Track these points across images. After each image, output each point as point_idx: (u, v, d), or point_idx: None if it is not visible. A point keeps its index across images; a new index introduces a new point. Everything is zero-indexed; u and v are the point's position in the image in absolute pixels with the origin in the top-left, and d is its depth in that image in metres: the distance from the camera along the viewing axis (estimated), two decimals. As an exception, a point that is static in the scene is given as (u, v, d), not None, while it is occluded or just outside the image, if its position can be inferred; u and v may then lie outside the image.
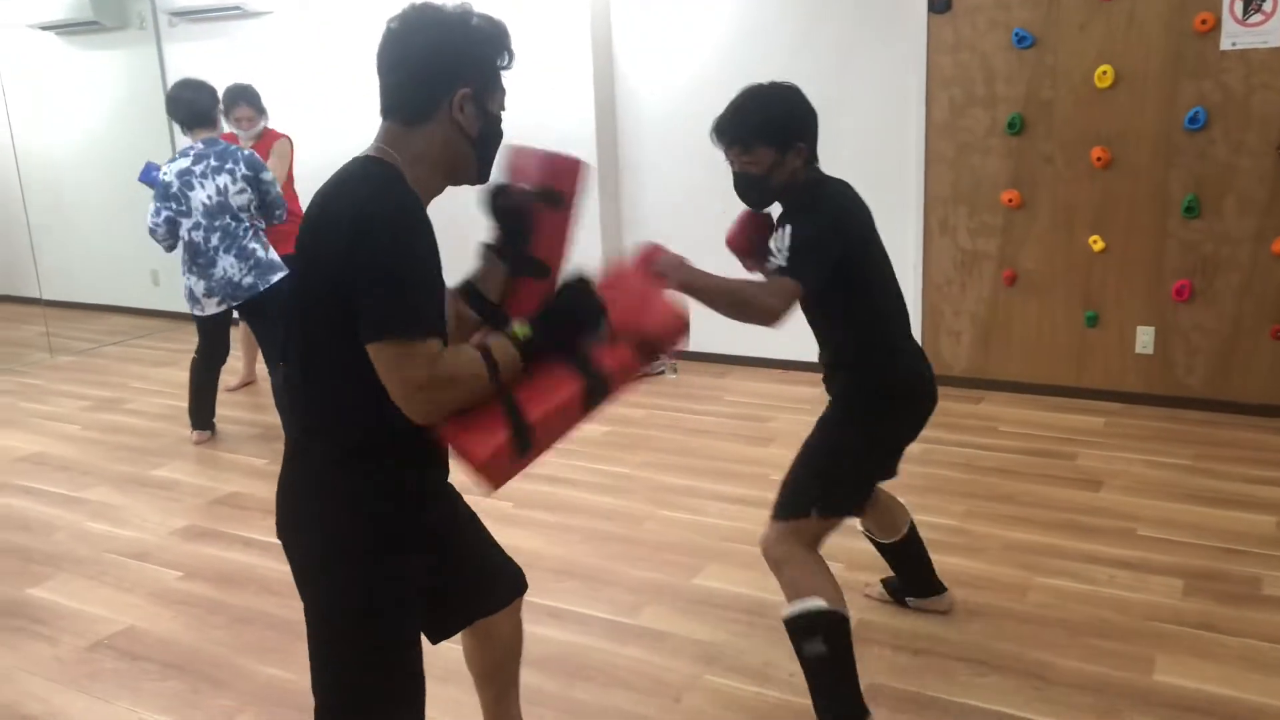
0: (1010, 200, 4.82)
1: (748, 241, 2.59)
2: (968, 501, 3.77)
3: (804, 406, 4.95)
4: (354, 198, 1.55)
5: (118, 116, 7.65)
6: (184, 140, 4.78)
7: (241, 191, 4.45)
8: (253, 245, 4.50)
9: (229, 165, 4.44)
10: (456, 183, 1.74)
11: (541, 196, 1.83)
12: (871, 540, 3.00)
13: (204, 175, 4.42)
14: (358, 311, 1.52)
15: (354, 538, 1.65)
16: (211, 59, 6.99)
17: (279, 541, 1.74)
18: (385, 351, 1.52)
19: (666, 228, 5.40)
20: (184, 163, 4.45)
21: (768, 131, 2.35)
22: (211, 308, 4.57)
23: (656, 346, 1.76)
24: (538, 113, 5.75)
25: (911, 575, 3.01)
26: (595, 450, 4.42)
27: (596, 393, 1.69)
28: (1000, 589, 3.11)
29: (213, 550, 3.62)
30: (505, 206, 1.84)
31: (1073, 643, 2.80)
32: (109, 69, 7.60)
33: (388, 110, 1.67)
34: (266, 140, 5.23)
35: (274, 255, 4.58)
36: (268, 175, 4.57)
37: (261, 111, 5.23)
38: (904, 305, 2.55)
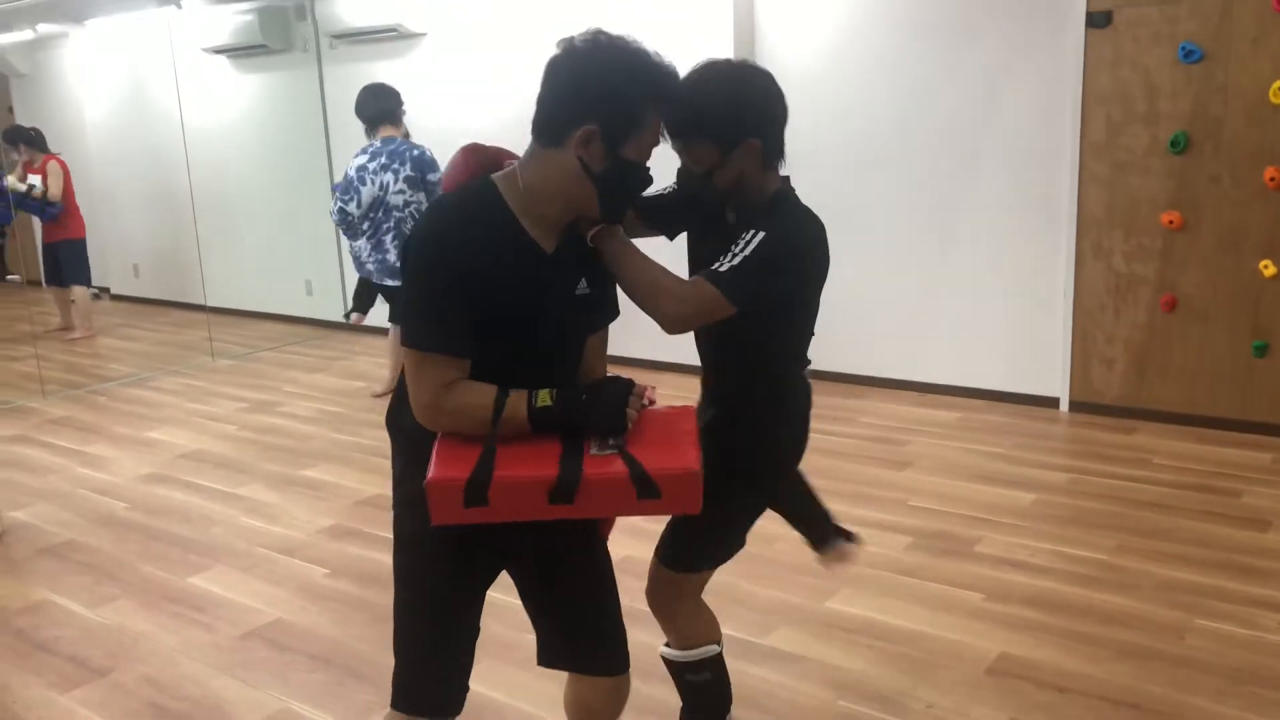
0: (1171, 222, 4.59)
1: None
2: (1118, 536, 3.59)
3: (943, 430, 4.82)
4: (425, 216, 1.70)
5: (280, 135, 8.07)
6: (352, 146, 5.15)
7: (400, 192, 4.80)
8: (390, 244, 4.87)
9: (395, 165, 4.83)
10: (582, 212, 1.73)
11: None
12: None
13: (374, 172, 4.82)
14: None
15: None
16: (368, 79, 7.30)
17: None
18: (407, 359, 1.66)
19: (805, 197, 5.31)
20: (363, 159, 4.84)
21: (704, 122, 1.89)
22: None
23: (655, 488, 1.62)
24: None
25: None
26: (728, 468, 4.39)
27: (560, 492, 1.60)
28: (1154, 630, 2.95)
29: (357, 549, 3.75)
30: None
31: (1235, 691, 2.63)
32: (273, 90, 8.03)
33: (532, 127, 1.70)
34: None
35: None
36: (434, 176, 4.88)
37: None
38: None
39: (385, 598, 3.34)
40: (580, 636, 1.96)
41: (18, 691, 2.86)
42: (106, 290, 10.00)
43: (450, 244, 1.61)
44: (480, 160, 1.83)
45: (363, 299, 5.60)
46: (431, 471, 1.60)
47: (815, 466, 4.42)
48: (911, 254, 5.36)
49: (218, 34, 7.93)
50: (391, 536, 1.86)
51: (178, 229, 8.68)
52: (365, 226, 4.89)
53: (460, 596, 1.84)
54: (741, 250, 1.88)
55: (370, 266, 5.16)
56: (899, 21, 5.19)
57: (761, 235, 1.89)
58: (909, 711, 2.61)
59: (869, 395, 5.45)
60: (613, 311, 1.91)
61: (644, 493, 1.61)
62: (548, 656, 1.99)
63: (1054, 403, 5.07)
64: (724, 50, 5.59)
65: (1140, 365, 4.82)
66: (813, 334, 2.19)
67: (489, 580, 1.88)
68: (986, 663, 2.81)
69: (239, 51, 7.98)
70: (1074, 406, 5.01)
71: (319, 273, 7.99)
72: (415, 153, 4.84)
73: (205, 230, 8.15)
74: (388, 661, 2.90)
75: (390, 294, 5.24)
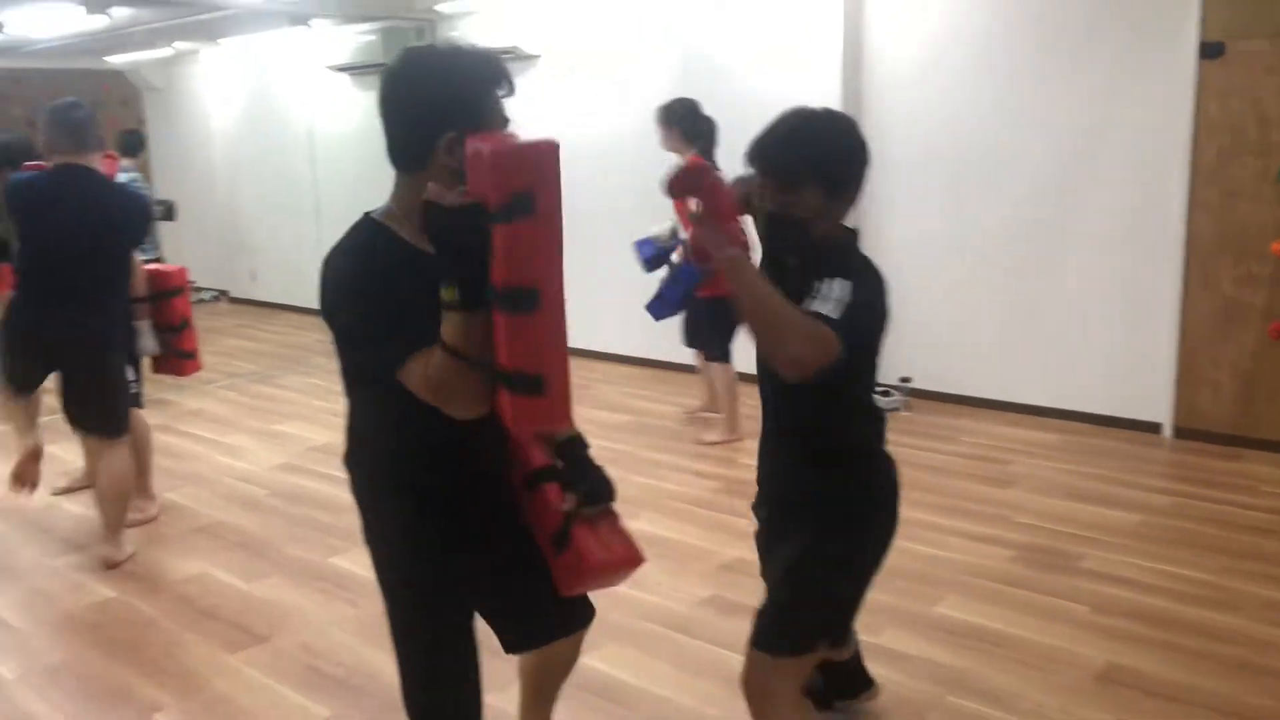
0: (1282, 251, 4.62)
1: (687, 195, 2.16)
2: (1224, 558, 3.65)
3: (1045, 451, 4.90)
4: (327, 265, 1.82)
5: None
6: None
7: None
8: None
9: None
10: None
11: (502, 209, 1.52)
12: None
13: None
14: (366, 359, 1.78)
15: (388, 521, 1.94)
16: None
17: None
18: (401, 381, 1.70)
19: (906, 208, 5.43)
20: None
21: (820, 167, 1.95)
22: None
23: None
24: (777, 75, 5.84)
25: (847, 673, 2.69)
26: (831, 478, 4.54)
27: None
28: (1259, 646, 3.02)
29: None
30: (445, 227, 1.58)
31: (1344, 707, 2.70)
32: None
33: (391, 160, 1.78)
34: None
35: None
36: None
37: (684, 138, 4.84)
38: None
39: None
40: (564, 606, 2.07)
41: (190, 649, 3.16)
42: (225, 293, 10.53)
43: (370, 269, 1.79)
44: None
45: None
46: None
47: (918, 481, 4.57)
48: (1014, 273, 5.45)
49: (340, 52, 8.36)
50: None
51: (296, 236, 9.13)
52: None
53: (465, 608, 1.97)
54: (834, 295, 1.85)
55: None
56: (1009, 38, 5.28)
57: (850, 282, 1.88)
58: (1017, 710, 2.73)
59: (970, 415, 5.53)
60: None
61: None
62: (530, 636, 2.11)
63: (1156, 428, 5.10)
64: (833, 50, 5.72)
65: (1248, 392, 4.84)
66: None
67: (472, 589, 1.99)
68: (1095, 670, 2.92)
69: (360, 70, 8.39)
70: (1178, 432, 5.04)
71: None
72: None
73: (326, 239, 8.55)
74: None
75: None
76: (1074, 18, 5.07)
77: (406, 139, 1.73)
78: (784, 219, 1.99)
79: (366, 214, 1.84)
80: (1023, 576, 3.55)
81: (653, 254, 4.74)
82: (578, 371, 5.99)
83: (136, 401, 4.21)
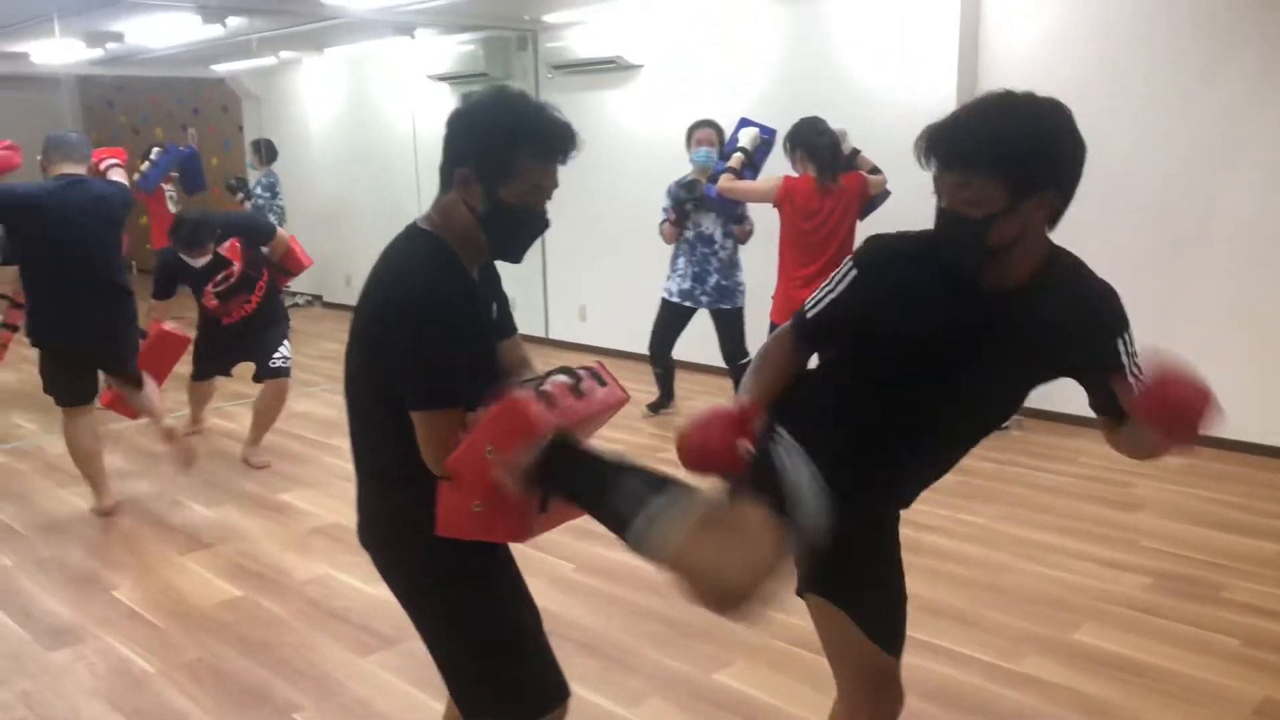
0: None
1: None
2: None
3: (1170, 475, 4.73)
4: (394, 277, 1.80)
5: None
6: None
7: None
8: None
9: None
10: (481, 253, 1.87)
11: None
12: None
13: None
14: (400, 385, 1.73)
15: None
16: (584, 107, 7.67)
17: None
18: (421, 420, 1.72)
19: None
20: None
21: (1000, 158, 1.60)
22: None
23: None
24: (891, 75, 5.77)
25: None
26: (946, 498, 4.43)
27: None
28: None
29: (596, 549, 3.98)
30: None
31: None
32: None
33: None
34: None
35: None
36: None
37: None
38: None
39: (633, 594, 3.56)
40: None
41: (322, 651, 3.19)
42: (319, 298, 10.73)
43: (448, 294, 1.79)
44: None
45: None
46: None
47: (1037, 503, 4.43)
48: (1136, 285, 5.22)
49: (441, 62, 8.46)
50: None
51: (392, 243, 9.24)
52: None
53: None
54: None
55: None
56: (1135, 29, 5.09)
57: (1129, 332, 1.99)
58: (1174, 746, 2.63)
59: (1083, 436, 5.36)
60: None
61: None
62: None
63: (1288, 454, 4.91)
64: (949, 45, 5.58)
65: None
66: None
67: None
68: (1252, 705, 2.80)
69: (461, 79, 8.49)
70: (1310, 459, 4.84)
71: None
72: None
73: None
74: (647, 653, 3.11)
75: None
76: (1212, 3, 4.86)
77: (442, 158, 1.85)
78: (955, 217, 1.67)
79: (411, 229, 1.87)
80: (1160, 605, 3.42)
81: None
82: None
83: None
